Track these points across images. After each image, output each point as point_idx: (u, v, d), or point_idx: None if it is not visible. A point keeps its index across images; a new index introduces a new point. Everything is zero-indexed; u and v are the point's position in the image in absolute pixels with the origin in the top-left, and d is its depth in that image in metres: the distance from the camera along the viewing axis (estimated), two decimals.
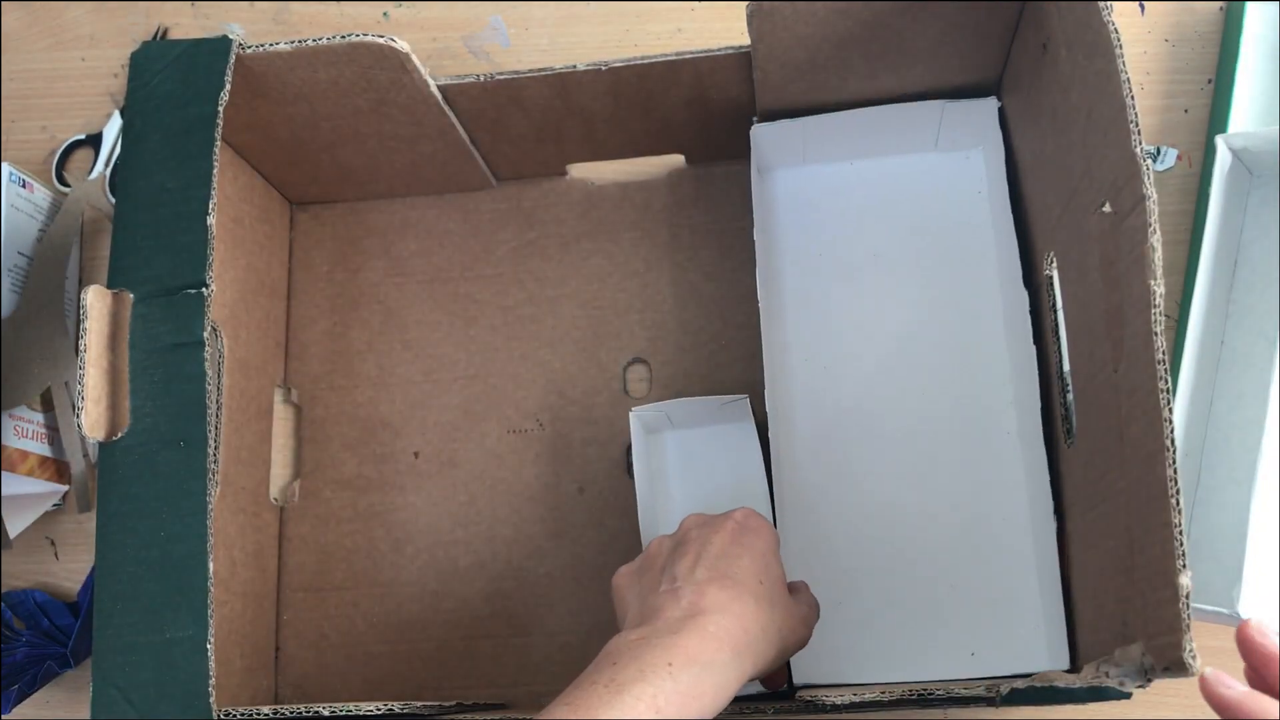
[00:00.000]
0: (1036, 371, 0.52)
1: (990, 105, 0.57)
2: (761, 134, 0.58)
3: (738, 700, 0.44)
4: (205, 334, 0.45)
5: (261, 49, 0.49)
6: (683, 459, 0.59)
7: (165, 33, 0.69)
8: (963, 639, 0.52)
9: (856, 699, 0.43)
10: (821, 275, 0.59)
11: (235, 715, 0.45)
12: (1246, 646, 0.37)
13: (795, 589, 0.49)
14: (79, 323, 0.45)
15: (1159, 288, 0.39)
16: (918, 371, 0.57)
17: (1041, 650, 0.51)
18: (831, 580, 0.54)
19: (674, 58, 0.52)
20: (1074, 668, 0.49)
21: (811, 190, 0.61)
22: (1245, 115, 0.58)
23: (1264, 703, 0.35)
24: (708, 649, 0.40)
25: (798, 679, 0.50)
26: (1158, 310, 0.39)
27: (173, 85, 0.49)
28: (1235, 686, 0.36)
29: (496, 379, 0.61)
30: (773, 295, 0.58)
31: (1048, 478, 0.51)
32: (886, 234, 0.59)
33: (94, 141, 0.67)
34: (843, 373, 0.58)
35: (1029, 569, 0.53)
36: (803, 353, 0.58)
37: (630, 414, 0.57)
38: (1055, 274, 0.51)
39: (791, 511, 0.55)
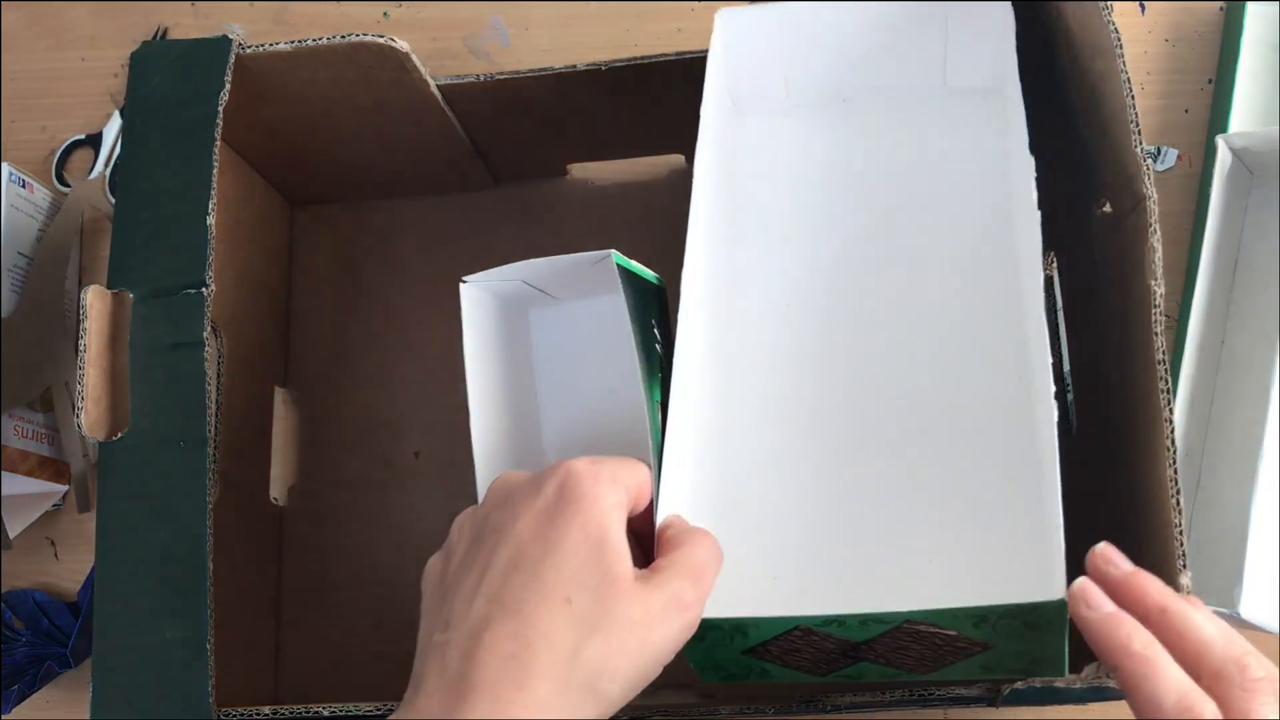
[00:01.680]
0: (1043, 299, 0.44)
1: (1005, 11, 0.47)
2: (730, 21, 0.50)
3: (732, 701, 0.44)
4: (205, 334, 0.45)
5: (261, 49, 0.49)
6: (549, 345, 0.46)
7: (165, 33, 0.69)
8: (948, 566, 0.45)
9: (856, 700, 0.43)
10: (797, 222, 0.52)
11: (235, 715, 0.45)
12: (1098, 578, 0.35)
13: (671, 546, 0.37)
14: (79, 323, 0.45)
15: (1159, 288, 0.39)
16: (914, 323, 0.49)
17: (1034, 576, 0.41)
18: (782, 507, 0.47)
19: (674, 57, 0.52)
20: (1074, 668, 0.49)
21: (792, 135, 0.54)
22: (1245, 115, 0.58)
23: (1128, 624, 0.34)
24: None
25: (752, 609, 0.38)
26: (1158, 310, 0.39)
27: (173, 85, 0.49)
28: (1101, 607, 0.34)
29: None
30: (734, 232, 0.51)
31: (1051, 377, 0.42)
32: (879, 179, 0.52)
33: (94, 141, 0.67)
34: (811, 310, 0.50)
35: (1028, 482, 0.44)
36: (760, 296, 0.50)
37: (462, 286, 0.43)
38: (1055, 274, 0.51)
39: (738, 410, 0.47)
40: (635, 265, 0.43)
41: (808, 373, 0.49)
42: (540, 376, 0.46)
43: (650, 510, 0.39)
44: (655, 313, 0.44)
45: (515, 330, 0.45)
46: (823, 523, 0.46)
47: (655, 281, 0.45)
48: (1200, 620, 0.34)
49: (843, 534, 0.46)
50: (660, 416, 0.41)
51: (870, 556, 0.45)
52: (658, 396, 0.42)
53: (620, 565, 0.34)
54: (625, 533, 0.35)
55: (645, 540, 0.39)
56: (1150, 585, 0.35)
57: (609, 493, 0.35)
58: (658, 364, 0.42)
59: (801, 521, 0.46)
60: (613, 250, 0.41)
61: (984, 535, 0.44)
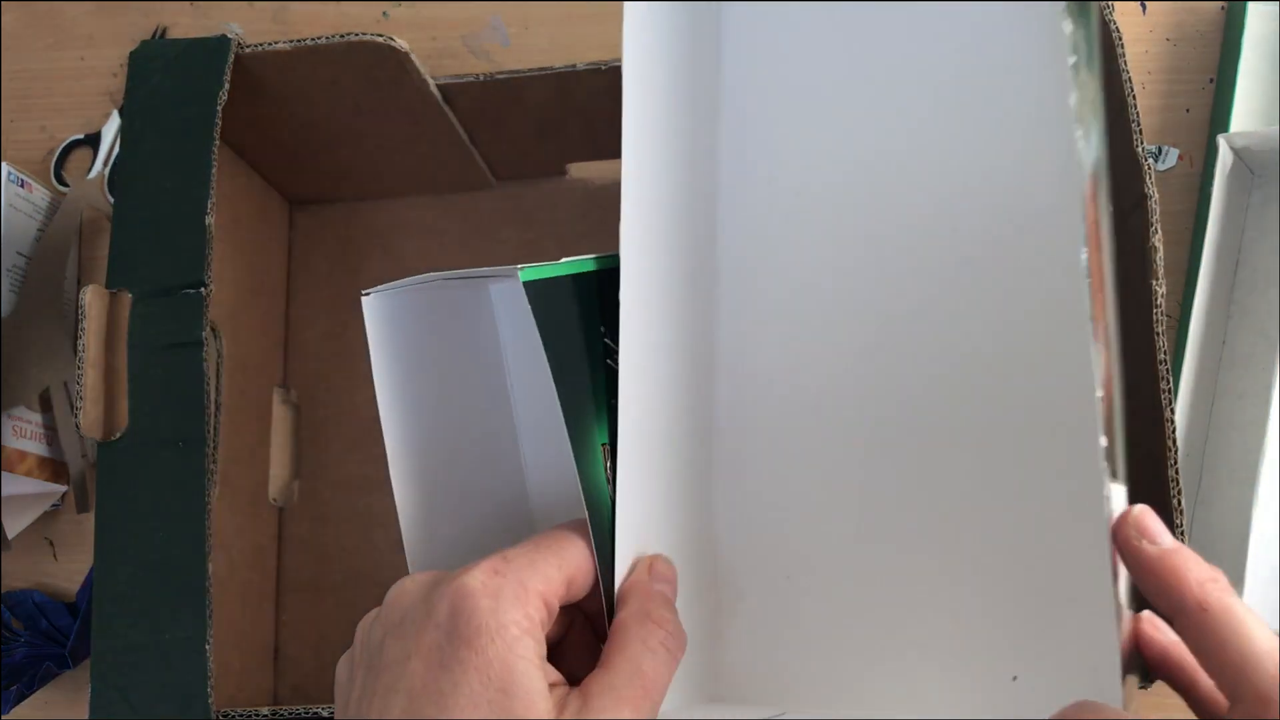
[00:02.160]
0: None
1: None
2: None
3: None
4: (204, 334, 0.45)
5: (260, 48, 0.49)
6: (519, 326, 0.34)
7: (164, 32, 0.69)
8: (1000, 657, 0.34)
9: None
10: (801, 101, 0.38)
11: (235, 715, 0.45)
12: (1126, 552, 0.29)
13: (614, 649, 0.31)
14: (78, 323, 0.45)
15: (1160, 287, 0.39)
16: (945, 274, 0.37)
17: (1091, 669, 0.33)
18: (800, 566, 0.37)
19: None
20: None
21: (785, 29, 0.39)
22: (1247, 114, 0.58)
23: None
24: None
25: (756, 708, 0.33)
26: (1159, 310, 0.39)
27: (171, 84, 0.49)
28: (1161, 540, 0.29)
29: None
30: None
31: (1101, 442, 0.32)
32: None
33: (93, 141, 0.67)
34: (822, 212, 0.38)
35: (1078, 554, 0.33)
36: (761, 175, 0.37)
37: (365, 299, 0.32)
38: None
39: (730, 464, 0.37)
40: (565, 264, 0.33)
41: (802, 384, 0.38)
42: (513, 363, 0.35)
43: (598, 587, 0.33)
44: (604, 317, 0.34)
45: (469, 321, 0.35)
46: (826, 591, 0.37)
47: (599, 266, 0.34)
48: (1251, 626, 0.27)
49: (852, 611, 0.36)
50: (611, 463, 0.33)
51: (879, 640, 0.36)
52: (603, 438, 0.33)
53: (531, 692, 0.28)
54: (540, 663, 0.29)
55: (598, 619, 0.34)
56: (1189, 570, 0.28)
57: (513, 618, 0.29)
58: (604, 390, 0.34)
59: (797, 587, 0.37)
60: (519, 267, 0.31)
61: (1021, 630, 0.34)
